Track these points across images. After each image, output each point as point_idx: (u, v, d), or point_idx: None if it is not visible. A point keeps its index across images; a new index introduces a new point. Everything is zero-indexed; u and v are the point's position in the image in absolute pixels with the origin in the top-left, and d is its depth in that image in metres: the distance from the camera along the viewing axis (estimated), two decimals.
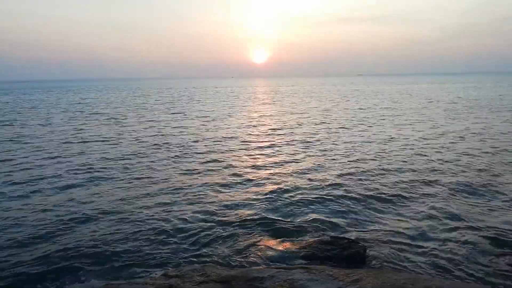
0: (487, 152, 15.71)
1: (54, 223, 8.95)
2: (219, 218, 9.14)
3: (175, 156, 16.19)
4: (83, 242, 7.97)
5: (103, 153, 16.90)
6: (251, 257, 7.30)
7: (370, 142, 18.63)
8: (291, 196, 10.67)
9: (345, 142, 18.78)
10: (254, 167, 14.16)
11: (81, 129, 24.71)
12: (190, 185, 11.83)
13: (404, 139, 19.37)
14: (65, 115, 34.56)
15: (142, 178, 12.77)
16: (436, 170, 13.06)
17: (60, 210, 9.80)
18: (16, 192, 11.31)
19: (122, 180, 12.51)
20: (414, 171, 13.05)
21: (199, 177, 12.75)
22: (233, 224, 8.78)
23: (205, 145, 18.54)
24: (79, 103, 51.09)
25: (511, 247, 7.43)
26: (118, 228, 8.66)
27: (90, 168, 14.12)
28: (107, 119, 30.89)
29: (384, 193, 10.76)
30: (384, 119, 27.94)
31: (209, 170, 13.72)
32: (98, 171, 13.61)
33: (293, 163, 14.66)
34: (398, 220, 8.88)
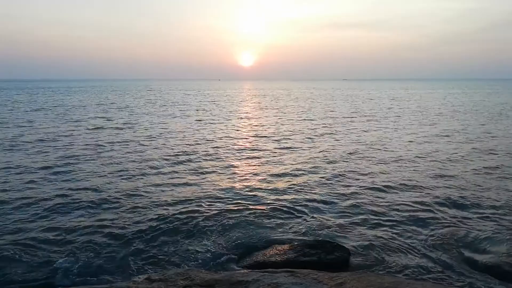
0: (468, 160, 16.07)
1: (39, 225, 8.75)
2: (204, 222, 9.06)
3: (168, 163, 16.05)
4: (64, 244, 7.80)
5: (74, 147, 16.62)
6: (236, 260, 7.26)
7: (362, 145, 18.84)
8: (279, 198, 10.67)
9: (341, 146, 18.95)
10: (246, 169, 14.13)
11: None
12: (175, 186, 11.73)
13: (399, 144, 19.66)
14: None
15: (127, 184, 12.59)
16: (425, 174, 13.26)
17: (50, 212, 9.58)
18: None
19: (111, 180, 12.33)
20: (402, 176, 13.22)
21: (185, 179, 12.64)
22: (218, 227, 8.72)
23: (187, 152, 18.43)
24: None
25: (492, 251, 7.59)
26: (100, 230, 8.50)
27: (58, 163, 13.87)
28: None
29: (372, 197, 10.88)
30: (371, 124, 28.31)
31: (198, 171, 13.63)
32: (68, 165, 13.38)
33: (285, 164, 14.70)
34: (382, 224, 8.97)
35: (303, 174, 13.50)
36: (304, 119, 31.48)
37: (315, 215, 9.48)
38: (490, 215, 9.42)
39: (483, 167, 14.29)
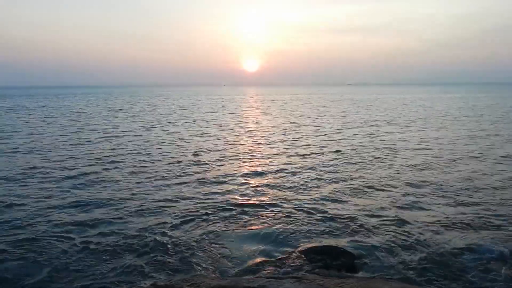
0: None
1: (43, 230, 8.80)
2: (209, 228, 9.07)
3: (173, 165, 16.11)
4: (70, 250, 7.84)
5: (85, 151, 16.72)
6: (242, 266, 7.24)
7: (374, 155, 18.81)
8: (283, 205, 10.65)
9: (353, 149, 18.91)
10: (251, 174, 14.14)
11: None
12: (181, 193, 11.75)
13: (396, 149, 19.58)
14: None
15: (131, 189, 12.64)
16: (430, 180, 13.18)
17: (52, 216, 9.65)
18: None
19: (115, 184, 12.38)
20: (407, 180, 13.15)
21: (189, 186, 12.67)
22: (223, 233, 8.72)
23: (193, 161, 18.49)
24: None
25: (504, 257, 7.50)
26: (106, 237, 8.53)
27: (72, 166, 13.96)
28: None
29: (376, 202, 10.83)
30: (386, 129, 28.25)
31: (200, 178, 13.65)
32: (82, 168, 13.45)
33: (287, 170, 14.68)
34: (388, 229, 8.91)
35: (311, 179, 13.48)
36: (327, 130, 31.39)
37: (319, 221, 9.44)
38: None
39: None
